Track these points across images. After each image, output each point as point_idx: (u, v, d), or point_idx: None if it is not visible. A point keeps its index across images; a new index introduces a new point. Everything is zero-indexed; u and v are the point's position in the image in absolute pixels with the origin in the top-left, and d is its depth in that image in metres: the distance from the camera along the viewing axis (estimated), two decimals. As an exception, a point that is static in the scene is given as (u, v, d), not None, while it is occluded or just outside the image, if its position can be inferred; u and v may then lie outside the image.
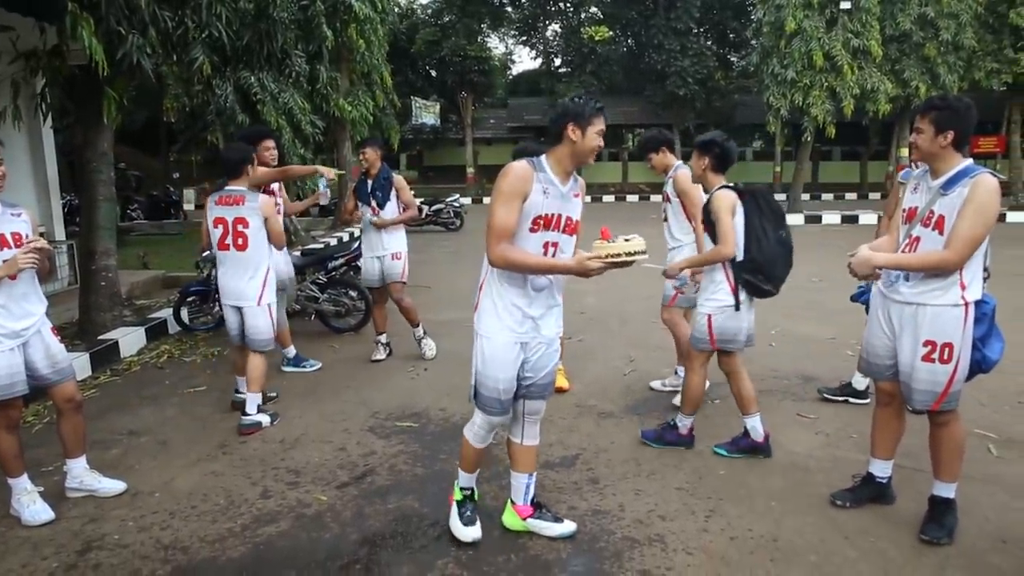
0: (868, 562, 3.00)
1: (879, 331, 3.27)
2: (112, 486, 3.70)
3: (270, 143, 5.50)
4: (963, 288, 2.97)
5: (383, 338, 6.12)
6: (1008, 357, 5.28)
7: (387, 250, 5.86)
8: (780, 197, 23.12)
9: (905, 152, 18.77)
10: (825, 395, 4.93)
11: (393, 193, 5.82)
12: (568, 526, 3.24)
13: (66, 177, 11.20)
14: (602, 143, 2.85)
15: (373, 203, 5.79)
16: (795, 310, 7.49)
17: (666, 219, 4.91)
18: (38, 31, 5.79)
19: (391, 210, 5.83)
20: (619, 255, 2.70)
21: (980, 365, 3.10)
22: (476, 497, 3.31)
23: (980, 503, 3.48)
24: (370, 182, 5.82)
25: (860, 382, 4.86)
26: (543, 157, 2.87)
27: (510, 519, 3.26)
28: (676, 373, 5.15)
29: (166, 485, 3.80)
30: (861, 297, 4.71)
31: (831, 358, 5.87)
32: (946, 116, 2.93)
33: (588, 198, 5.31)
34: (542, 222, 2.81)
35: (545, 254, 2.84)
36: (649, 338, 6.43)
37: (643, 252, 2.71)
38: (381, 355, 6.06)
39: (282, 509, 3.53)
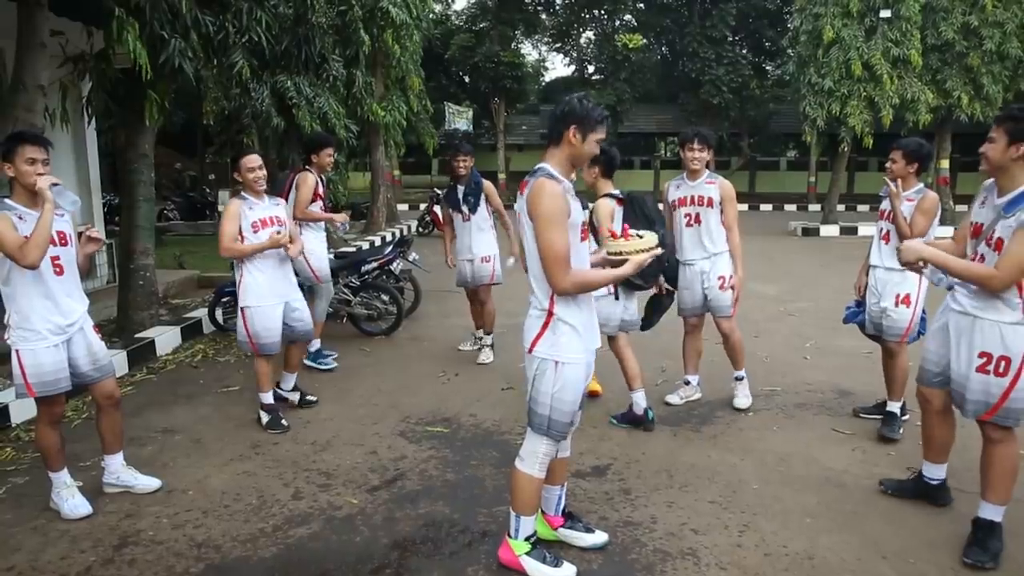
0: (908, 584, 2.92)
1: (937, 342, 3.31)
2: (148, 483, 3.76)
3: (330, 150, 5.83)
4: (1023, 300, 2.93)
5: (479, 333, 6.38)
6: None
7: (476, 253, 6.02)
8: (815, 208, 22.82)
9: (945, 164, 18.40)
10: (861, 414, 4.82)
11: (483, 198, 5.99)
12: (600, 536, 3.21)
13: (107, 177, 11.45)
14: (597, 151, 2.85)
15: (465, 208, 5.96)
16: (831, 323, 7.35)
17: (700, 223, 4.81)
18: (86, 35, 5.93)
19: (482, 215, 6.01)
20: (637, 252, 2.70)
21: None
22: (548, 535, 3.16)
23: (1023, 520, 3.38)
24: (461, 188, 5.98)
25: (895, 406, 4.60)
26: (549, 166, 2.76)
27: (541, 528, 3.23)
28: (687, 383, 5.11)
29: (199, 483, 3.85)
30: (855, 318, 4.67)
31: (867, 373, 5.74)
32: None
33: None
34: (582, 230, 2.82)
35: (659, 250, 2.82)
36: (680, 348, 6.36)
37: (658, 247, 2.73)
38: (468, 347, 6.49)
39: (313, 511, 3.55)
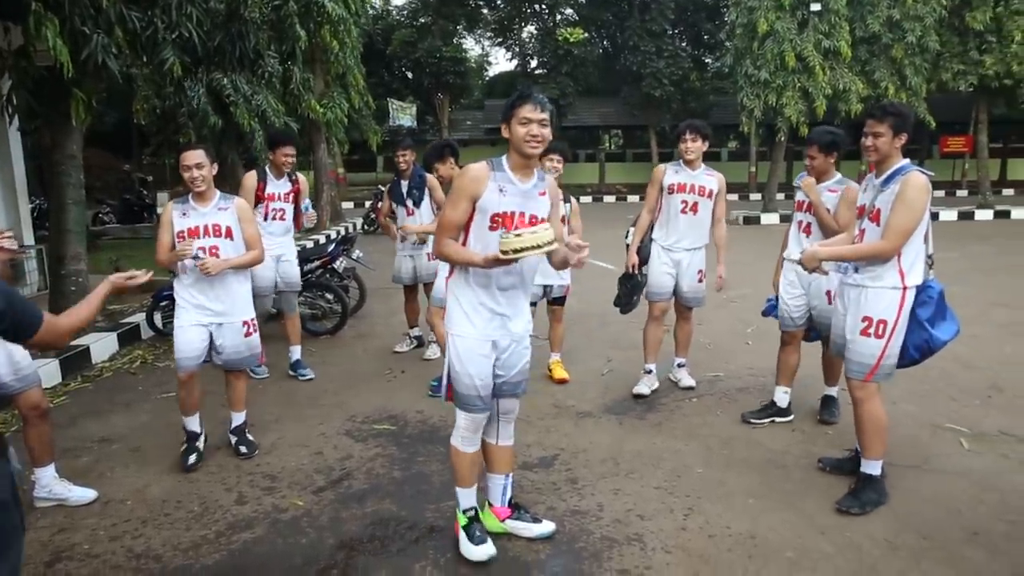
0: (844, 557, 3.02)
1: (838, 315, 3.63)
2: (82, 494, 3.63)
3: (287, 149, 5.50)
4: (902, 274, 3.33)
5: (413, 331, 6.35)
6: (978, 352, 5.42)
7: (420, 249, 5.96)
8: (756, 197, 23.36)
9: (876, 152, 19.00)
10: (750, 420, 4.54)
11: (427, 193, 5.92)
12: (547, 526, 3.23)
13: (35, 180, 11.00)
14: (534, 129, 2.75)
15: (409, 203, 5.92)
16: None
17: (697, 212, 4.84)
18: (3, 31, 5.68)
19: (426, 209, 5.93)
20: (529, 247, 2.61)
21: (929, 344, 3.37)
22: (481, 516, 3.18)
23: (952, 496, 3.53)
24: (405, 183, 5.94)
25: (782, 399, 4.60)
26: (504, 156, 2.91)
27: (488, 521, 3.24)
28: (649, 372, 5.13)
29: (139, 493, 3.74)
30: (772, 311, 4.72)
31: (807, 356, 5.89)
32: (902, 121, 3.31)
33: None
34: (500, 220, 2.83)
35: (556, 244, 2.76)
36: (627, 338, 6.44)
37: (551, 242, 2.64)
38: (405, 347, 6.32)
39: (258, 515, 3.48)
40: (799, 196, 4.42)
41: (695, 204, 4.84)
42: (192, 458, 3.97)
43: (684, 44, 30.09)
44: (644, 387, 5.05)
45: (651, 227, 5.04)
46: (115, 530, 3.36)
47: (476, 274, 2.88)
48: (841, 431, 4.37)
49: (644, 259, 5.02)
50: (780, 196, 19.46)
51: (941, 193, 22.38)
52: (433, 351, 6.07)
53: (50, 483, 3.59)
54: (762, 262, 10.89)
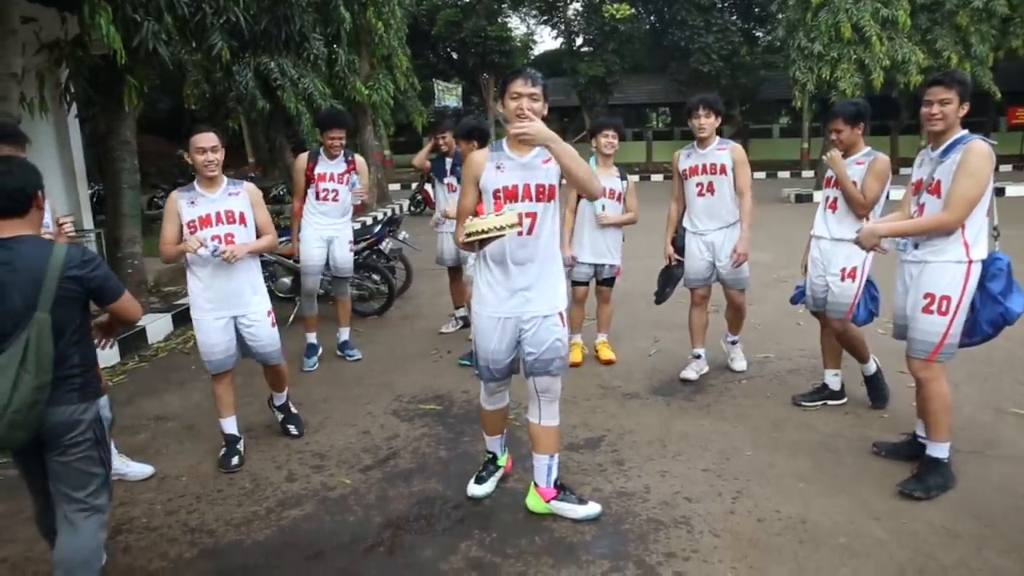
0: (899, 544, 2.93)
1: (898, 294, 3.51)
2: (140, 470, 3.75)
3: (336, 132, 5.39)
4: (967, 247, 3.21)
5: (459, 312, 6.34)
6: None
7: None
8: (808, 174, 22.73)
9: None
10: (801, 403, 4.43)
11: None
12: (592, 508, 3.21)
13: (94, 166, 11.34)
14: (524, 104, 2.83)
15: (453, 179, 5.87)
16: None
17: (713, 192, 4.68)
18: (60, 21, 5.82)
19: None
20: (488, 230, 2.70)
21: (1004, 318, 3.25)
22: (499, 462, 3.51)
23: (1017, 483, 3.39)
24: (448, 160, 5.94)
25: (833, 381, 4.48)
26: (505, 137, 2.98)
27: (534, 501, 3.24)
28: (697, 356, 4.99)
29: (192, 469, 3.84)
30: (801, 299, 4.56)
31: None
32: (965, 90, 3.21)
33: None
34: (502, 194, 2.93)
35: (521, 226, 2.84)
36: (674, 319, 6.34)
37: (514, 225, 2.72)
38: (451, 328, 6.34)
39: (307, 492, 3.55)
40: (828, 172, 4.23)
41: (710, 184, 4.68)
42: (235, 460, 3.83)
43: (734, 17, 29.24)
44: (692, 372, 4.94)
45: (681, 217, 4.95)
46: (171, 505, 3.47)
47: (490, 250, 2.95)
48: (897, 414, 4.24)
49: (680, 249, 4.93)
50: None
51: (1008, 167, 21.43)
52: (449, 325, 6.34)
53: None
54: (815, 241, 10.65)
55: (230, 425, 3.97)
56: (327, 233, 5.51)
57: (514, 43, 29.49)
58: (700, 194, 4.73)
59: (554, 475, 3.25)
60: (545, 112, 2.90)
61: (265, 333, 3.92)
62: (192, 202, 3.74)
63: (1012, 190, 16.24)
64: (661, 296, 5.22)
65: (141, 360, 5.85)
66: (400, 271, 7.64)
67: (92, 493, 2.42)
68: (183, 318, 6.87)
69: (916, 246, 3.34)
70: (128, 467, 3.74)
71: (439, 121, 6.02)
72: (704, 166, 4.69)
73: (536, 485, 3.25)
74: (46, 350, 2.24)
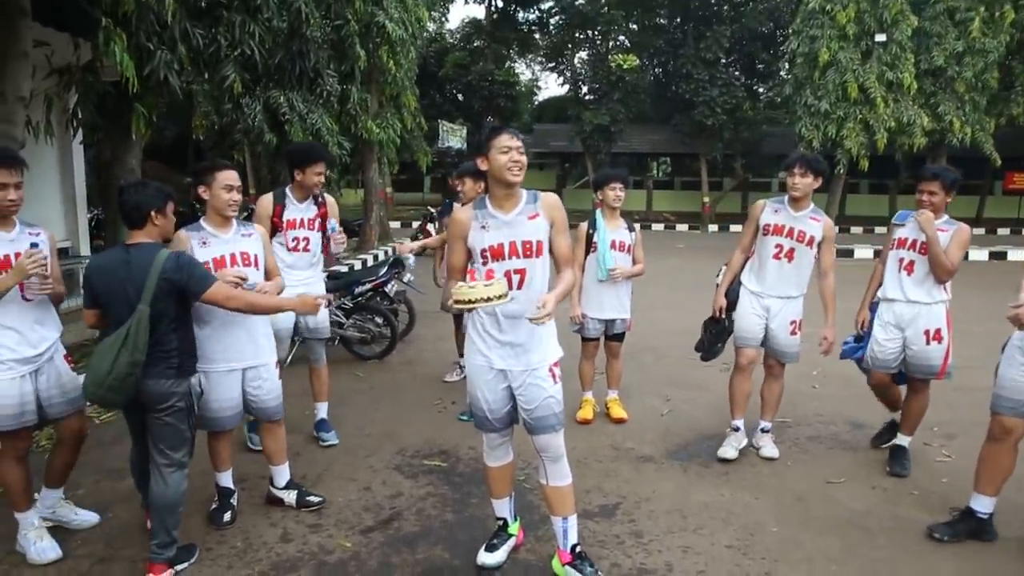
0: (949, 644, 2.70)
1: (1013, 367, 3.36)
2: (87, 518, 3.53)
3: (320, 167, 4.43)
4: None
5: (463, 360, 5.92)
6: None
7: None
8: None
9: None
10: (880, 446, 4.63)
11: None
12: None
13: (94, 191, 11.20)
14: (515, 156, 2.84)
15: None
16: (837, 350, 7.16)
17: (792, 259, 4.30)
18: (72, 47, 5.73)
19: None
20: (476, 300, 2.69)
21: None
22: (510, 530, 3.31)
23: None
24: (459, 205, 5.61)
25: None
26: (487, 194, 3.01)
27: (556, 565, 3.11)
28: (736, 429, 4.57)
29: (181, 523, 3.57)
30: (853, 354, 4.44)
31: (878, 403, 5.53)
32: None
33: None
34: (489, 254, 2.92)
35: (510, 283, 2.87)
36: (685, 376, 6.15)
37: (502, 296, 2.71)
38: (455, 377, 6.11)
39: (303, 555, 3.30)
40: (902, 233, 4.16)
41: (791, 251, 4.26)
42: (227, 516, 3.56)
43: (737, 73, 29.68)
44: (731, 449, 4.43)
45: (742, 268, 4.56)
46: (156, 564, 3.20)
47: None
48: (923, 488, 4.04)
49: (732, 303, 4.52)
50: (835, 229, 18.95)
51: (1006, 231, 21.51)
52: (453, 374, 6.14)
53: (55, 504, 3.48)
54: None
55: (226, 479, 3.68)
56: (297, 290, 4.22)
57: (520, 88, 29.85)
58: (777, 257, 4.30)
59: (571, 539, 3.07)
60: (526, 163, 2.93)
61: (271, 387, 3.60)
62: (204, 242, 3.43)
63: (1013, 255, 16.23)
64: (711, 352, 4.78)
65: (131, 397, 5.59)
66: (403, 313, 7.45)
67: (180, 452, 3.08)
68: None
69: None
70: (76, 515, 3.51)
71: (461, 166, 5.52)
72: (792, 230, 4.26)
73: (558, 547, 3.12)
74: (143, 336, 2.87)
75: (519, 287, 2.91)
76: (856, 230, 23.81)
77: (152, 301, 2.88)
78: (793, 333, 4.43)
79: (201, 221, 3.52)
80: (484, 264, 2.91)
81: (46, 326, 3.22)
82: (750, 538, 3.51)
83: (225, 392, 3.45)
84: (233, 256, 3.48)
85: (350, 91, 10.44)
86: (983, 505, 3.45)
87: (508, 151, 2.83)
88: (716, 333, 4.68)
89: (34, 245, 3.04)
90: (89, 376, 2.93)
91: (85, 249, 8.62)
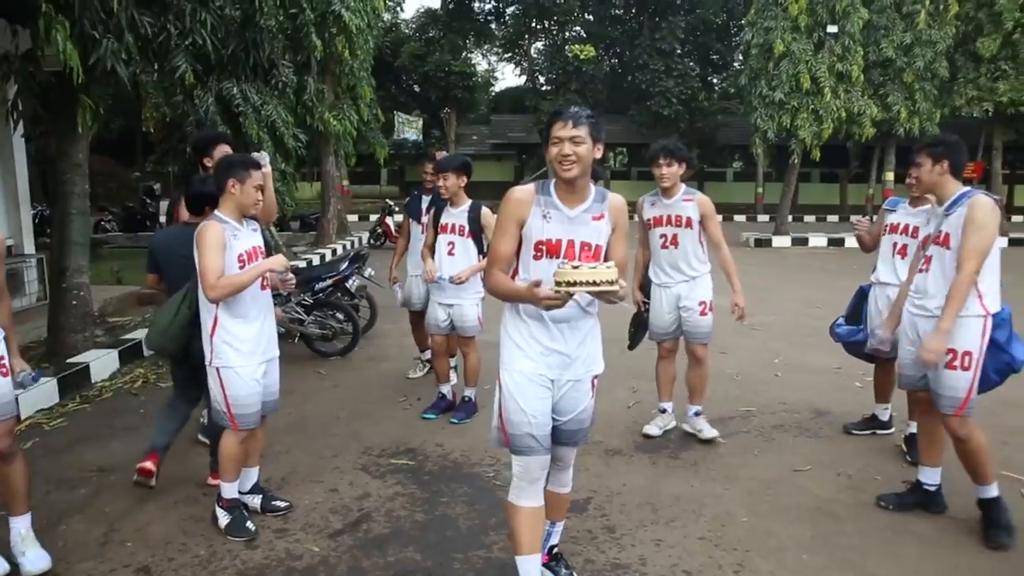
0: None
1: (907, 345, 3.56)
2: (35, 563, 3.04)
3: (225, 148, 4.12)
4: (981, 300, 3.27)
5: (425, 355, 5.92)
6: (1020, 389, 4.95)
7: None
8: (763, 218, 23.17)
9: (891, 176, 18.87)
10: (852, 431, 4.72)
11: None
12: None
13: (38, 187, 10.77)
14: (565, 149, 2.49)
15: (427, 220, 5.26)
16: (798, 338, 7.29)
17: (677, 245, 4.50)
18: (10, 34, 5.45)
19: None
20: (582, 282, 2.32)
21: (1011, 366, 3.35)
22: None
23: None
24: (426, 198, 5.51)
25: (883, 413, 4.70)
26: (552, 180, 2.66)
27: None
28: (663, 411, 4.78)
29: (139, 532, 3.45)
30: (851, 336, 4.46)
31: (840, 390, 5.65)
32: (940, 150, 3.39)
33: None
34: (544, 248, 2.59)
35: (620, 287, 2.47)
36: (651, 368, 6.14)
37: (612, 282, 2.34)
38: (419, 373, 6.00)
39: (270, 561, 3.20)
40: (894, 218, 4.26)
41: (674, 236, 4.43)
42: (251, 525, 3.42)
43: (692, 64, 29.99)
44: (655, 427, 4.70)
45: (647, 265, 4.74)
46: (114, 576, 3.08)
47: (527, 306, 2.60)
48: (888, 474, 4.10)
49: (648, 294, 4.74)
50: (789, 218, 19.26)
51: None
52: (415, 371, 6.02)
53: (15, 539, 3.07)
54: (783, 287, 10.69)
55: (233, 489, 3.49)
56: None
57: (476, 79, 29.68)
58: (664, 246, 4.50)
59: (552, 540, 3.01)
60: (598, 154, 2.56)
61: (277, 379, 3.58)
62: (234, 235, 3.33)
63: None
64: (634, 342, 5.03)
65: (83, 401, 5.37)
66: (364, 309, 7.32)
67: None
68: (131, 354, 6.42)
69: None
70: (23, 556, 3.04)
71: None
72: (668, 217, 4.44)
73: None
74: (197, 296, 3.38)
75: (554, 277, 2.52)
76: (809, 219, 24.32)
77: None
78: (703, 314, 4.53)
79: (220, 214, 3.35)
80: (537, 258, 2.59)
81: None
82: (721, 529, 3.52)
83: (255, 386, 3.38)
84: (255, 249, 3.43)
85: (306, 82, 10.22)
86: (928, 477, 3.62)
87: (559, 142, 2.51)
88: (637, 325, 4.91)
89: None
90: (154, 327, 3.63)
91: (30, 247, 8.28)
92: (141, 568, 3.14)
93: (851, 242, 16.77)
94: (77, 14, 4.93)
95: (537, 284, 2.41)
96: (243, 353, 3.33)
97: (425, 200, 5.55)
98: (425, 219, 5.41)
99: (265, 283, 3.44)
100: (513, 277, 2.66)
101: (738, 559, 3.24)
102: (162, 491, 3.85)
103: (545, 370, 2.63)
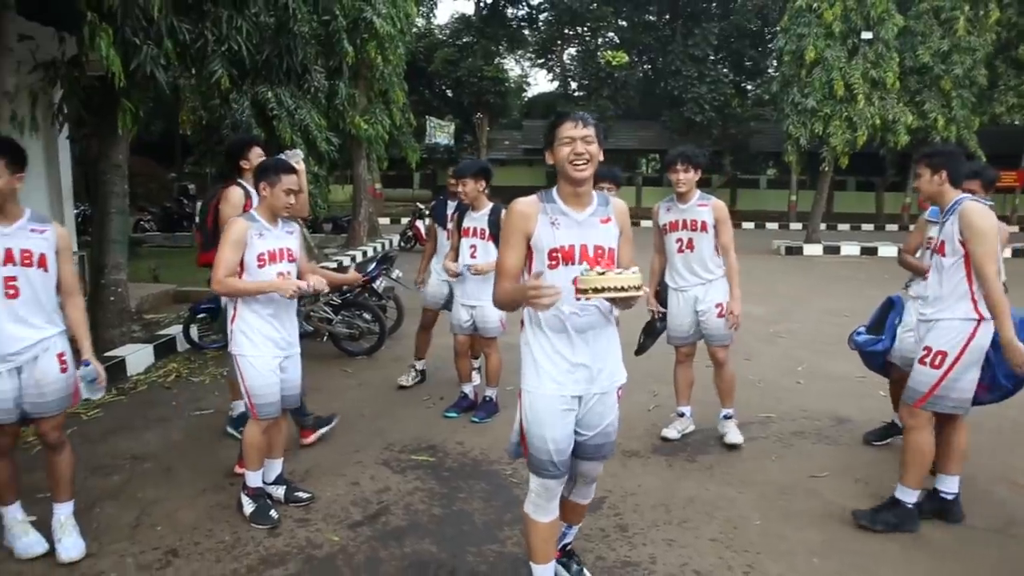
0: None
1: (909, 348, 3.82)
2: (71, 548, 3.20)
3: (259, 151, 4.42)
4: (975, 303, 3.33)
5: (419, 364, 5.95)
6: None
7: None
8: (796, 226, 22.93)
9: (925, 185, 18.57)
10: (873, 443, 4.68)
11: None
12: None
13: (80, 187, 11.13)
14: (578, 148, 2.47)
15: (452, 225, 5.36)
16: (822, 346, 7.25)
17: (692, 249, 4.56)
18: (57, 41, 5.69)
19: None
20: (606, 288, 2.31)
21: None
22: None
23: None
24: (452, 204, 5.58)
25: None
26: (555, 187, 2.64)
27: None
28: (681, 415, 4.83)
29: (169, 518, 3.60)
30: (871, 346, 4.36)
31: (863, 398, 5.63)
32: (937, 160, 3.44)
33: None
34: (560, 255, 2.53)
35: (643, 292, 2.45)
36: (672, 372, 6.19)
37: (638, 288, 2.32)
38: (409, 381, 5.87)
39: (291, 549, 3.32)
40: (933, 232, 3.86)
41: (690, 241, 4.52)
42: (274, 513, 3.55)
43: (726, 70, 29.81)
44: (673, 431, 4.75)
45: (663, 271, 4.79)
46: (143, 558, 3.22)
47: (547, 315, 2.55)
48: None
49: (664, 302, 4.78)
50: (822, 227, 19.04)
51: (990, 229, 21.68)
52: (407, 377, 5.87)
53: (55, 526, 3.23)
54: (810, 295, 10.61)
55: (257, 478, 3.64)
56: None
57: (509, 84, 29.84)
58: (680, 251, 4.57)
59: (566, 539, 3.05)
60: (601, 157, 2.56)
61: (298, 374, 3.72)
62: (260, 234, 3.49)
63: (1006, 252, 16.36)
64: (641, 349, 5.06)
65: (119, 393, 5.58)
66: (391, 310, 7.46)
67: None
68: (165, 349, 6.64)
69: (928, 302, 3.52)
70: (59, 543, 3.18)
71: (460, 167, 5.26)
72: (684, 222, 4.51)
73: None
74: None
75: (575, 285, 2.49)
76: (843, 227, 23.99)
77: None
78: (720, 315, 4.55)
79: (254, 212, 3.57)
80: (553, 267, 2.52)
81: (28, 325, 3.08)
82: (733, 531, 3.55)
83: (272, 376, 3.53)
84: (281, 251, 3.56)
85: (338, 87, 10.43)
86: (947, 485, 3.65)
87: (571, 142, 2.48)
88: (647, 333, 4.97)
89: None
90: None
91: (72, 245, 8.57)
92: (169, 551, 3.28)
93: (884, 251, 16.58)
94: (119, 22, 5.14)
95: (534, 290, 2.33)
96: (257, 344, 3.51)
97: (451, 206, 5.65)
98: (451, 224, 5.53)
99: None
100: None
101: (748, 561, 3.28)
102: (190, 479, 4.00)
103: (572, 388, 2.58)
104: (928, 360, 3.41)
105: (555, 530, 2.77)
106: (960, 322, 3.34)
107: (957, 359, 3.34)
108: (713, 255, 4.55)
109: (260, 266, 3.47)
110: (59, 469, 3.24)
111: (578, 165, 2.49)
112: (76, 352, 3.26)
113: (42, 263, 3.09)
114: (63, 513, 3.26)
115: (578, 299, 2.41)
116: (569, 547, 3.09)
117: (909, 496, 3.53)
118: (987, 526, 3.57)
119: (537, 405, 2.58)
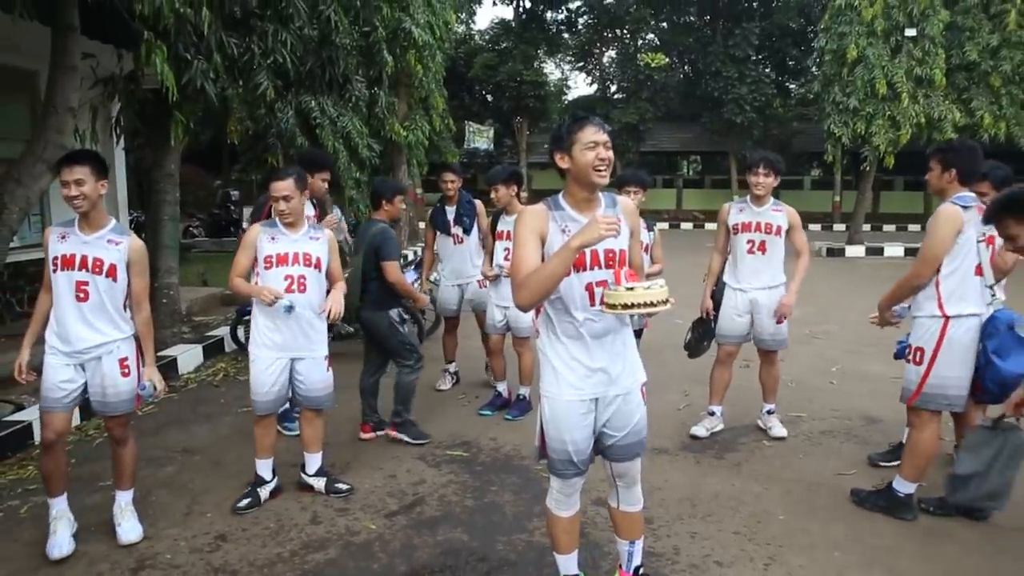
0: (942, 624, 2.82)
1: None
2: (128, 533, 3.45)
3: (326, 174, 4.79)
4: (940, 303, 3.50)
5: (452, 367, 6.12)
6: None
7: (473, 277, 5.77)
8: (840, 227, 22.57)
9: (973, 184, 18.12)
10: (879, 463, 4.38)
11: (476, 220, 5.77)
12: None
13: (133, 195, 11.64)
14: (602, 153, 2.45)
15: (458, 230, 5.72)
16: (858, 347, 7.22)
17: (764, 251, 4.63)
18: (116, 58, 6.02)
19: (475, 237, 5.80)
20: (635, 305, 2.36)
21: (1001, 376, 3.37)
22: None
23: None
24: (451, 209, 5.75)
25: None
26: (560, 194, 2.61)
27: None
28: (711, 414, 4.90)
29: (218, 506, 3.83)
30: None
31: (895, 399, 5.55)
32: (950, 157, 3.52)
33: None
34: (574, 263, 2.46)
35: (592, 297, 2.54)
36: (706, 372, 6.24)
37: (666, 302, 2.38)
38: (447, 385, 6.04)
39: (331, 536, 3.52)
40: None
41: (762, 243, 4.61)
42: (245, 503, 3.75)
43: (767, 70, 29.48)
44: (702, 429, 4.81)
45: (722, 270, 4.87)
46: (195, 542, 3.45)
47: (562, 323, 2.59)
48: (936, 482, 4.09)
49: (718, 303, 4.83)
50: (866, 228, 18.74)
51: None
52: (443, 382, 6.01)
53: (115, 512, 3.50)
54: (850, 297, 10.51)
55: (265, 468, 3.90)
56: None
57: (548, 88, 29.95)
58: (750, 251, 4.64)
59: (635, 562, 2.93)
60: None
61: (319, 377, 3.86)
62: (273, 238, 3.73)
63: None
64: (696, 351, 5.08)
65: (171, 390, 5.87)
66: (429, 312, 7.65)
67: (405, 360, 4.73)
68: (214, 350, 6.95)
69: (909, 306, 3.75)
70: (119, 527, 3.45)
71: (447, 164, 5.68)
72: (759, 224, 4.60)
73: (620, 567, 2.97)
74: (356, 277, 4.54)
75: (603, 301, 2.51)
76: (889, 228, 23.54)
77: (364, 258, 4.53)
78: (780, 322, 4.66)
79: (277, 219, 3.79)
80: (566, 275, 2.47)
81: (94, 328, 3.31)
82: (757, 525, 3.64)
83: (269, 376, 3.76)
84: (296, 255, 3.74)
85: (378, 95, 10.70)
86: (902, 485, 3.71)
87: (595, 147, 2.44)
88: (701, 333, 4.99)
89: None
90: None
91: (145, 258, 8.97)
92: (219, 536, 3.51)
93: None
94: (173, 39, 5.44)
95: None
96: (259, 345, 3.78)
97: (450, 211, 5.75)
98: (455, 229, 5.73)
99: (301, 287, 3.72)
100: (537, 314, 2.72)
101: (770, 553, 3.37)
102: (237, 472, 4.24)
103: (591, 392, 2.60)
104: (911, 357, 3.63)
105: (576, 523, 2.84)
106: (928, 319, 3.55)
107: (934, 355, 3.50)
108: (782, 261, 4.65)
109: (267, 268, 3.73)
110: (123, 461, 3.52)
111: (602, 171, 2.47)
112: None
113: (111, 273, 3.33)
114: (124, 500, 3.53)
115: (604, 313, 2.49)
116: (642, 571, 2.95)
117: (903, 487, 3.67)
118: (1017, 527, 3.58)
119: (557, 409, 2.62)
